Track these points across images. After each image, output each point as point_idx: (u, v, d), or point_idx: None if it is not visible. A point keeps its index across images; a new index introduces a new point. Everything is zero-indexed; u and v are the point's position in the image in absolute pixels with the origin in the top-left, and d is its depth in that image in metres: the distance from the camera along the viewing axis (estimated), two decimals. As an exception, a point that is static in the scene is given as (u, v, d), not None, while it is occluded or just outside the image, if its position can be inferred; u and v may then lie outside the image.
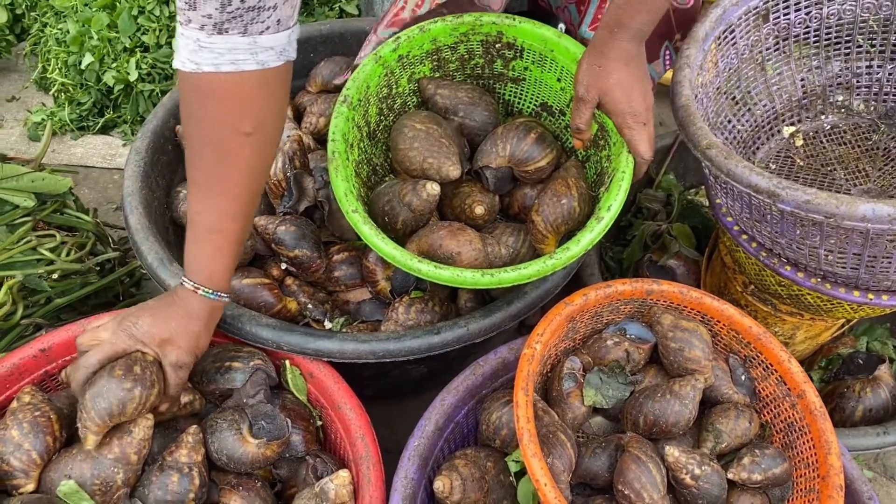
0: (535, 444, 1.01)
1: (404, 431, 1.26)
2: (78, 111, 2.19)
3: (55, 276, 1.38)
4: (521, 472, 1.22)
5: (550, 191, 1.28)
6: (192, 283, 1.13)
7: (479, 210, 1.36)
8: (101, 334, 1.13)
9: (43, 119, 2.19)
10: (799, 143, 1.52)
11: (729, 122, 1.46)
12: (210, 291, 1.13)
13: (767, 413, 1.23)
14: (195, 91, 1.03)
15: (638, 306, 1.27)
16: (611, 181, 1.24)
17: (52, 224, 1.45)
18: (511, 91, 1.48)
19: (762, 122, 1.53)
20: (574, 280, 1.43)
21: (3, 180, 1.33)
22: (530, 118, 1.44)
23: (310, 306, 1.47)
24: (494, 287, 1.21)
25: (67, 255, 1.42)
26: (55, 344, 1.29)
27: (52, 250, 1.39)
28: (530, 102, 1.48)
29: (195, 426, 1.19)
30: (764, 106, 1.50)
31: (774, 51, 1.47)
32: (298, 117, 1.73)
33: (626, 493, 1.07)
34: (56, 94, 2.24)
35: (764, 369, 1.22)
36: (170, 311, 1.14)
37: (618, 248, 1.83)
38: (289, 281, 1.49)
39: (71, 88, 2.18)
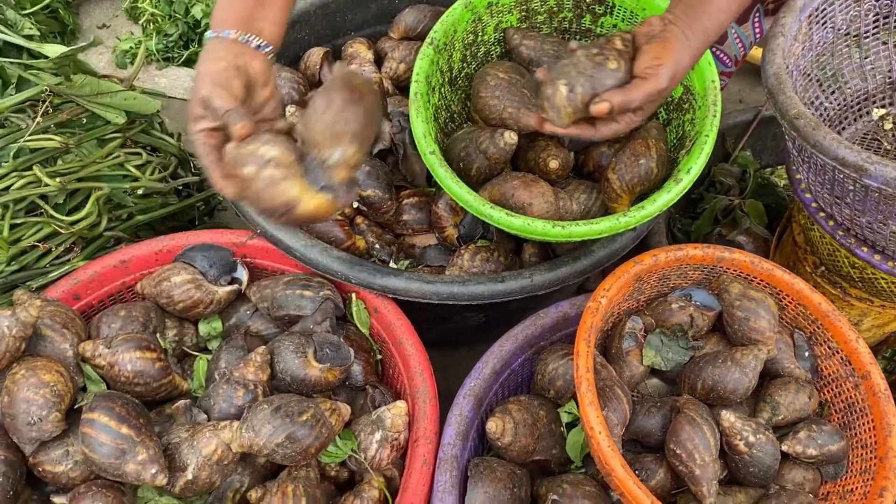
0: (593, 393, 1.03)
1: (456, 380, 1.29)
2: (165, 42, 2.25)
3: (139, 192, 1.44)
4: (572, 424, 1.24)
5: (629, 150, 1.27)
6: (215, 32, 1.00)
7: (554, 164, 1.36)
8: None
9: (131, 47, 2.25)
10: (888, 126, 1.47)
11: (816, 98, 1.42)
12: (230, 32, 1.00)
13: (828, 392, 1.22)
14: None
15: (706, 274, 1.27)
16: (693, 144, 1.23)
17: (138, 143, 1.50)
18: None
19: (851, 101, 1.49)
20: (640, 247, 1.42)
21: (98, 95, 1.38)
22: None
23: (377, 246, 1.50)
24: (564, 240, 1.21)
25: (152, 174, 1.47)
26: (134, 257, 1.36)
27: (138, 168, 1.45)
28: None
29: (264, 347, 1.23)
30: (855, 85, 1.46)
31: (873, 28, 1.42)
32: (379, 62, 1.75)
33: (677, 452, 1.08)
34: (145, 24, 2.30)
35: (829, 347, 1.20)
36: (208, 69, 0.99)
37: (687, 221, 1.81)
38: (359, 220, 1.52)
39: (159, 19, 2.24)
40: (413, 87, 1.29)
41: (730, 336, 1.22)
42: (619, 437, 1.11)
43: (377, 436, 1.19)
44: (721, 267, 1.24)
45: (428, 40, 1.32)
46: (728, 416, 1.10)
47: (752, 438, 1.09)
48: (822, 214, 1.30)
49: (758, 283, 1.24)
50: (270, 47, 1.04)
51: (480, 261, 1.38)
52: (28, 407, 1.07)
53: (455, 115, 1.46)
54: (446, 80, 1.39)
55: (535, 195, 1.27)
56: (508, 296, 1.29)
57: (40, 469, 1.10)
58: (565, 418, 1.23)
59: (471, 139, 1.33)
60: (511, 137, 1.29)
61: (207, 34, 1.03)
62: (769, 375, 1.22)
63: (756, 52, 2.27)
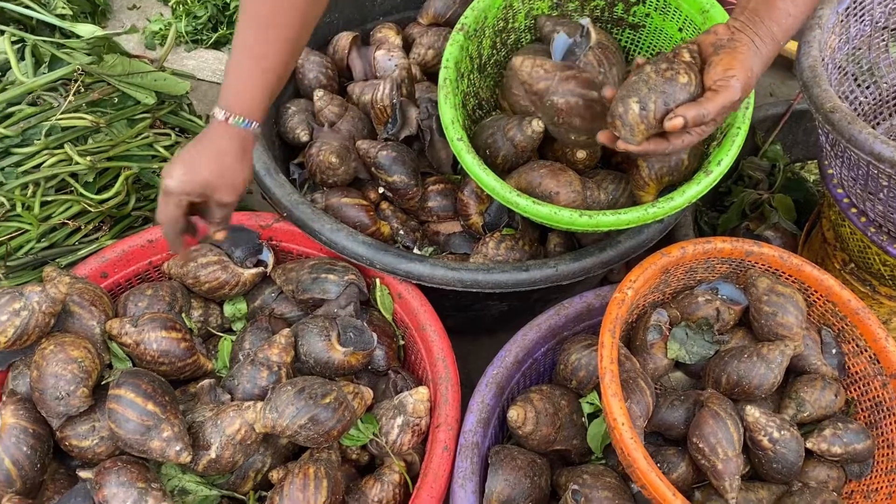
0: (617, 384, 1.02)
1: (476, 368, 1.29)
2: (193, 24, 2.26)
3: (168, 173, 1.45)
4: (594, 415, 1.23)
5: (660, 139, 1.26)
6: (225, 114, 1.08)
7: (581, 154, 1.35)
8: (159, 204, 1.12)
9: (160, 28, 2.26)
10: (924, 122, 1.45)
11: (851, 92, 1.40)
12: (243, 120, 1.09)
13: (855, 390, 1.20)
14: None
15: (734, 267, 1.25)
16: (724, 137, 1.21)
17: (167, 124, 1.51)
18: (628, 37, 1.46)
19: (887, 96, 1.46)
20: (666, 239, 1.41)
21: (128, 76, 1.39)
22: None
23: (401, 232, 1.50)
24: (590, 230, 1.20)
25: (180, 154, 1.48)
26: (161, 237, 1.37)
27: (166, 148, 1.45)
28: (646, 51, 1.45)
29: (288, 329, 1.24)
30: (891, 79, 1.43)
31: (913, 22, 1.39)
32: (407, 47, 1.74)
33: (700, 446, 1.07)
34: (174, 6, 2.31)
35: (857, 345, 1.19)
36: (200, 153, 1.10)
37: (714, 214, 1.79)
38: (384, 205, 1.52)
39: (189, 1, 2.25)
40: (442, 73, 1.29)
41: (756, 331, 1.21)
42: (641, 429, 1.10)
43: (399, 420, 1.19)
44: (749, 261, 1.23)
45: (458, 26, 1.31)
46: (752, 412, 1.09)
47: (776, 434, 1.08)
48: (853, 210, 1.28)
49: (786, 279, 1.23)
50: None
51: (505, 249, 1.38)
52: (56, 382, 1.08)
53: (483, 102, 1.45)
54: (475, 66, 1.38)
55: (563, 184, 1.26)
56: (532, 285, 1.29)
57: (67, 443, 1.12)
58: (587, 409, 1.23)
59: (498, 126, 1.33)
60: (538, 126, 1.28)
61: (238, 120, 1.09)
62: (795, 372, 1.21)
63: (790, 46, 2.23)
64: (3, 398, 1.14)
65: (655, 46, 1.44)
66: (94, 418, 1.12)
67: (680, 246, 1.19)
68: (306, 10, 1.07)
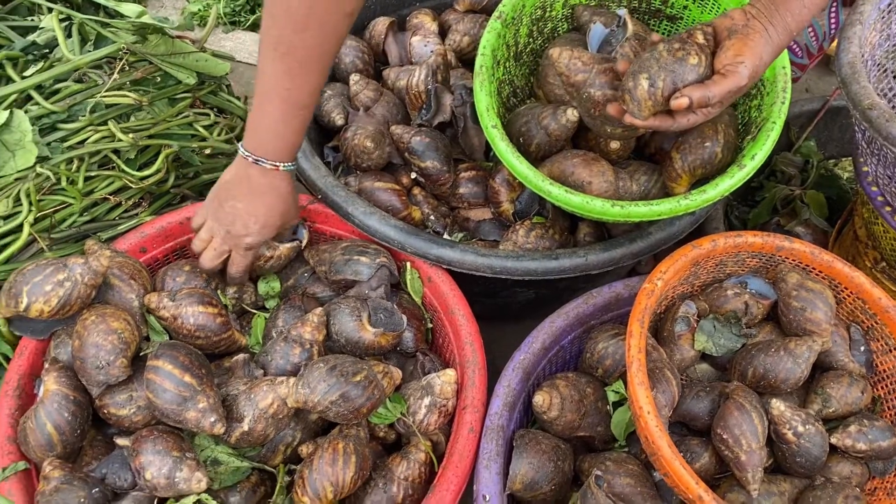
0: (644, 373, 1.04)
1: (501, 353, 1.31)
2: (232, 6, 2.28)
3: (206, 152, 1.48)
4: (619, 403, 1.25)
5: (697, 132, 1.26)
6: (273, 164, 1.17)
7: (615, 145, 1.36)
8: (221, 247, 1.27)
9: (199, 9, 2.29)
10: (964, 121, 1.43)
11: (890, 90, 1.39)
12: (292, 164, 1.19)
13: (882, 388, 1.20)
14: None
15: (764, 262, 1.26)
16: (759, 131, 1.22)
17: (207, 104, 1.54)
18: (665, 29, 1.46)
19: (926, 95, 1.45)
20: (697, 232, 1.42)
21: (171, 56, 1.42)
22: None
23: (432, 217, 1.52)
24: (622, 220, 1.21)
25: (219, 134, 1.51)
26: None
27: (206, 128, 1.48)
28: (682, 43, 1.45)
29: (320, 308, 1.27)
30: (933, 78, 1.42)
31: (955, 20, 1.38)
32: (443, 34, 1.75)
33: (724, 437, 1.08)
34: (213, -13, 2.34)
35: (886, 343, 1.19)
36: (266, 202, 1.21)
37: (744, 208, 1.79)
38: (416, 190, 1.54)
39: (228, -17, 2.28)
40: (478, 61, 1.30)
41: (784, 326, 1.22)
42: (666, 419, 1.11)
43: (426, 401, 1.21)
44: (780, 256, 1.23)
45: (496, 14, 1.32)
46: (778, 405, 1.10)
47: (800, 428, 1.09)
48: (888, 209, 1.28)
49: (816, 275, 1.23)
50: None
51: (535, 237, 1.39)
52: (97, 352, 1.12)
53: (518, 90, 1.46)
54: (511, 54, 1.39)
55: (596, 174, 1.27)
56: (562, 273, 1.30)
57: (105, 411, 1.16)
58: (612, 397, 1.24)
59: (532, 115, 1.34)
60: (573, 115, 1.29)
61: (289, 166, 1.20)
62: (822, 368, 1.21)
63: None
64: (46, 366, 1.18)
65: (692, 39, 1.43)
66: (131, 388, 1.15)
67: (711, 239, 1.19)
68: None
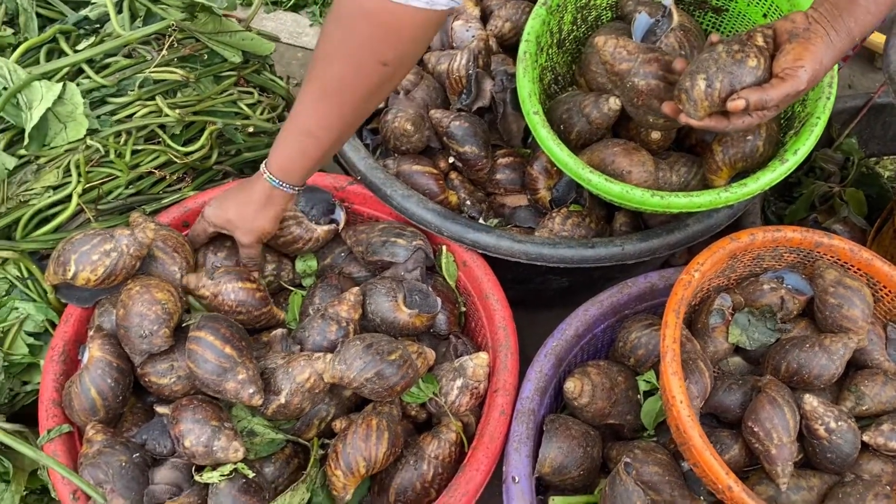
0: (678, 363, 1.04)
1: (531, 340, 1.31)
2: (275, -14, 2.31)
3: (249, 130, 1.50)
4: (649, 393, 1.25)
5: (737, 125, 1.25)
6: (264, 168, 1.20)
7: (655, 135, 1.36)
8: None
9: (242, -11, 2.31)
10: None
11: (938, 88, 1.37)
12: (275, 180, 1.19)
13: (917, 388, 1.20)
14: (356, 5, 0.99)
15: (801, 258, 1.25)
16: (802, 126, 1.21)
17: (250, 83, 1.56)
18: (710, 21, 1.45)
19: (975, 94, 1.42)
20: (733, 226, 1.41)
21: (218, 34, 1.44)
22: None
23: (468, 202, 1.53)
24: (661, 211, 1.22)
25: (261, 113, 1.53)
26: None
27: (249, 106, 1.51)
28: (727, 35, 1.44)
29: (357, 288, 1.29)
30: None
31: None
32: (485, 19, 1.76)
33: (755, 430, 1.09)
34: (256, -33, 2.36)
35: (923, 344, 1.18)
36: (234, 196, 1.26)
37: (781, 204, 1.78)
38: (453, 175, 1.55)
39: (271, -37, 2.30)
40: (522, 47, 1.31)
41: (819, 322, 1.21)
42: (697, 409, 1.12)
43: (458, 382, 1.23)
44: (818, 252, 1.23)
45: (541, 1, 1.32)
46: (811, 400, 1.10)
47: (832, 424, 1.09)
48: (930, 208, 1.27)
49: (854, 272, 1.22)
50: None
51: (571, 225, 1.40)
52: (141, 321, 1.15)
53: (559, 78, 1.46)
54: (555, 41, 1.39)
55: (636, 163, 1.27)
56: (598, 262, 1.31)
57: (147, 379, 1.19)
58: (643, 386, 1.25)
59: (574, 102, 1.34)
60: (615, 104, 1.29)
61: (278, 183, 1.20)
62: (856, 366, 1.21)
63: (875, 38, 2.18)
64: (91, 333, 1.22)
65: (737, 31, 1.43)
66: (172, 358, 1.18)
67: (749, 232, 1.19)
68: (372, 85, 1.07)
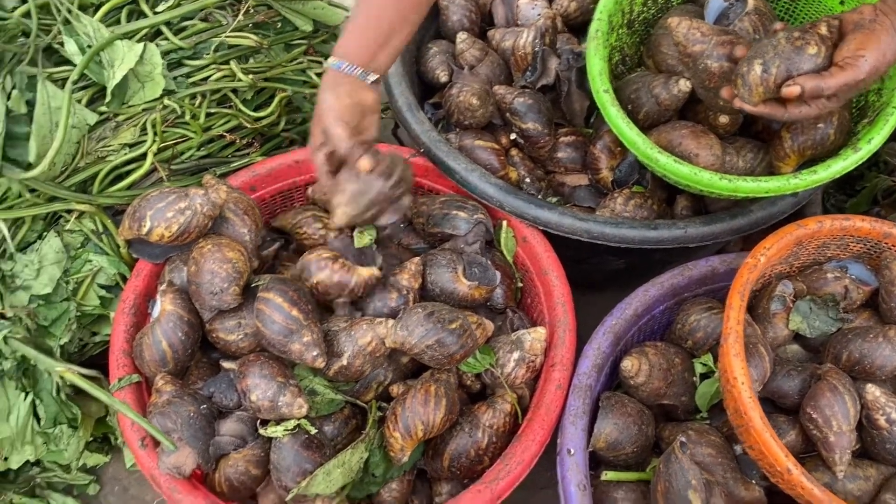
0: (741, 345, 1.05)
1: (582, 320, 1.31)
2: (338, -43, 2.32)
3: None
4: (705, 376, 1.26)
5: (810, 111, 1.24)
6: (348, 65, 1.14)
7: (723, 119, 1.35)
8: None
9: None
10: None
11: None
12: (337, 62, 1.15)
13: (980, 385, 1.18)
14: None
15: (868, 248, 1.24)
16: (877, 115, 1.20)
17: (319, 52, 1.58)
18: (784, 6, 1.43)
19: None
20: (795, 216, 1.40)
21: (291, 2, 1.46)
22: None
23: (527, 179, 1.54)
24: (727, 195, 1.21)
25: (329, 82, 1.55)
26: (307, 159, 1.45)
27: (317, 75, 1.53)
28: (802, 22, 1.43)
29: (418, 258, 1.31)
30: None
31: None
32: (550, -2, 1.75)
33: (814, 416, 1.09)
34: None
35: None
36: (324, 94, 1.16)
37: (841, 197, 1.75)
38: (514, 152, 1.56)
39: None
40: (594, 25, 1.31)
41: (884, 314, 1.20)
42: (756, 393, 1.12)
43: (515, 355, 1.25)
44: (885, 243, 1.22)
45: (616, -21, 1.32)
46: (873, 390, 1.09)
47: (894, 415, 1.08)
48: None
49: (922, 266, 1.21)
50: (381, 80, 1.20)
51: (633, 206, 1.40)
52: (212, 278, 1.18)
53: (627, 59, 1.46)
54: (625, 21, 1.39)
55: (703, 146, 1.27)
56: (659, 244, 1.31)
57: (214, 335, 1.23)
58: (699, 369, 1.25)
59: (643, 83, 1.34)
60: (685, 85, 1.29)
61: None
62: (919, 359, 1.20)
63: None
64: (163, 287, 1.25)
65: (811, 16, 1.41)
66: (240, 316, 1.22)
67: (817, 220, 1.18)
68: None
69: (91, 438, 1.44)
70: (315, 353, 1.14)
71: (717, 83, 1.18)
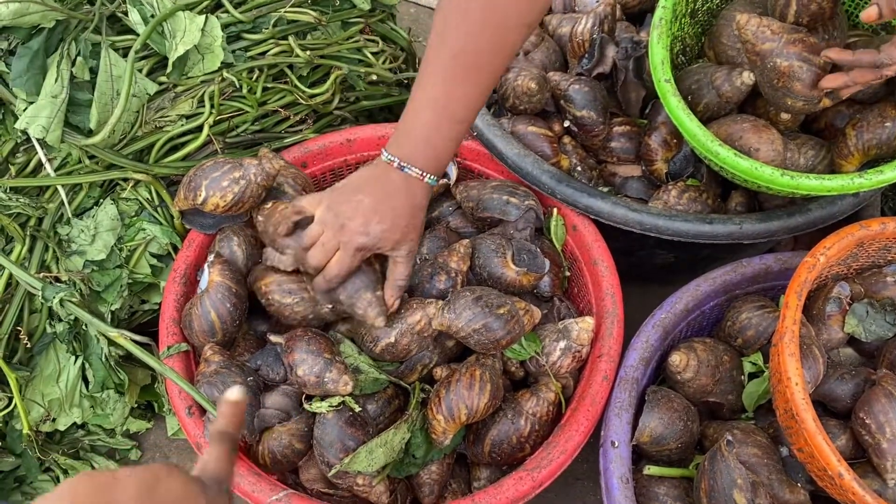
0: (796, 345, 1.03)
1: (626, 314, 1.29)
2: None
3: (372, 78, 1.53)
4: (753, 375, 1.24)
5: (878, 109, 1.21)
6: (418, 171, 1.07)
7: (785, 116, 1.32)
8: (330, 242, 1.10)
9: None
10: None
11: None
12: (434, 179, 1.09)
13: None
14: None
15: (931, 253, 1.21)
16: (949, 116, 1.16)
17: (374, 31, 1.58)
18: None
19: None
20: (853, 218, 1.37)
21: (348, -20, 1.46)
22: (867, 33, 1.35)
23: (579, 168, 1.52)
24: (788, 191, 1.18)
25: (384, 62, 1.55)
26: (359, 138, 1.45)
27: (373, 55, 1.53)
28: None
29: (467, 241, 1.30)
30: None
31: None
32: (610, -14, 1.73)
33: (867, 421, 1.06)
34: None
35: None
36: (396, 206, 1.08)
37: (900, 200, 1.71)
38: (566, 139, 1.54)
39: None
40: (658, 13, 1.28)
41: (944, 321, 1.17)
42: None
43: (561, 344, 1.24)
44: (950, 249, 1.18)
45: (682, -33, 1.29)
46: (930, 401, 1.06)
47: (952, 426, 1.05)
48: None
49: None
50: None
51: (687, 199, 1.38)
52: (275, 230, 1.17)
53: (687, 49, 1.43)
54: (689, 10, 1.36)
55: (765, 141, 1.24)
56: (713, 239, 1.29)
57: (269, 297, 1.22)
58: (748, 368, 1.23)
59: (705, 74, 1.31)
60: (749, 78, 1.26)
61: (432, 179, 1.09)
62: (979, 370, 1.16)
63: None
64: (211, 258, 1.27)
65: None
66: (300, 279, 1.20)
67: (881, 221, 1.15)
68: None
69: (135, 405, 1.47)
70: (377, 311, 1.13)
71: (786, 82, 1.16)
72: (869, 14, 0.98)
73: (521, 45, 1.05)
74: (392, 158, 1.07)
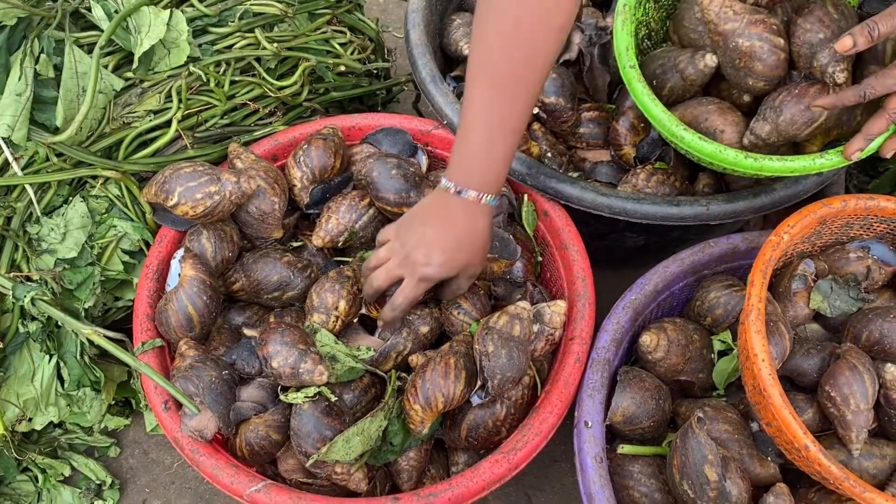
0: (762, 322, 1.05)
1: (599, 297, 1.31)
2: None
3: (340, 69, 1.53)
4: (723, 353, 1.26)
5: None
6: (475, 194, 1.10)
7: (748, 98, 1.34)
8: (394, 270, 1.16)
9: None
10: None
11: None
12: (494, 199, 1.11)
13: None
14: None
15: (891, 229, 1.24)
16: (906, 94, 1.18)
17: (342, 22, 1.58)
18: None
19: None
20: (817, 196, 1.39)
21: (314, -28, 1.46)
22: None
23: (549, 154, 1.53)
24: (752, 173, 1.21)
25: (352, 53, 1.55)
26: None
27: (340, 45, 1.53)
28: None
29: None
30: None
31: None
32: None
33: (832, 394, 1.09)
34: None
35: None
36: (459, 234, 1.13)
37: (864, 178, 1.74)
38: (535, 126, 1.55)
39: None
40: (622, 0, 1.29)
41: (905, 295, 1.20)
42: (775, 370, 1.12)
43: (534, 328, 1.25)
44: (910, 224, 1.21)
45: (644, -49, 1.31)
46: (892, 370, 1.09)
47: (913, 396, 1.08)
48: None
49: (946, 248, 1.21)
50: None
51: (655, 183, 1.40)
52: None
53: (652, 34, 1.45)
54: (653, -5, 1.38)
55: (729, 123, 1.26)
56: (681, 220, 1.31)
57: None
58: (718, 346, 1.26)
59: (668, 58, 1.33)
60: (711, 60, 1.28)
61: (490, 199, 1.11)
62: (939, 341, 1.19)
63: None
64: (181, 253, 1.27)
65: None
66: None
67: (842, 199, 1.18)
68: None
69: (112, 402, 1.46)
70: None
71: (747, 62, 1.17)
72: (844, 44, 1.01)
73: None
74: (449, 185, 1.10)
